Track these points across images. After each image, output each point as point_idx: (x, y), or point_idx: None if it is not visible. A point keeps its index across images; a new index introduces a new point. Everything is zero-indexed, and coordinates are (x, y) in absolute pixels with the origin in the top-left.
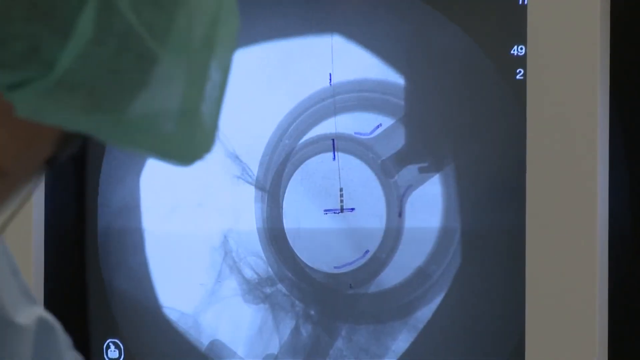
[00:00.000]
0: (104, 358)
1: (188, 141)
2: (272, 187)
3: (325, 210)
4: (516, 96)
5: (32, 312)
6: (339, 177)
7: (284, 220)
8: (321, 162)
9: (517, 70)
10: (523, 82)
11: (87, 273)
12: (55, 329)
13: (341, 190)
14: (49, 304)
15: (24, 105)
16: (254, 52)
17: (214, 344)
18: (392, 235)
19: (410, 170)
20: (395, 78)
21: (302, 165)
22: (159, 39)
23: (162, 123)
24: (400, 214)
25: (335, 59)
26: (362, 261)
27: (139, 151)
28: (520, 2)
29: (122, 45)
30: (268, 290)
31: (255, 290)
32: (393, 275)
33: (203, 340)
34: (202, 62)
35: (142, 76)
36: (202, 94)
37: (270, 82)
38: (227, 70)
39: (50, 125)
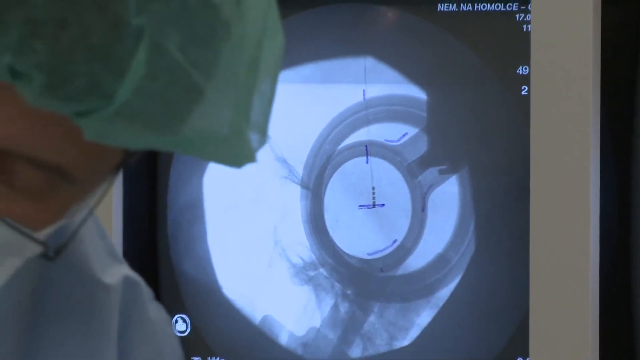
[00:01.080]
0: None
1: (236, 154)
2: (315, 186)
3: (360, 206)
4: (521, 109)
5: (118, 271)
6: (371, 178)
7: (325, 214)
8: (356, 165)
9: (522, 87)
10: (527, 98)
11: (160, 259)
12: (139, 284)
13: (373, 189)
14: None
15: (89, 130)
16: (299, 72)
17: (266, 318)
18: (417, 227)
19: (432, 172)
20: (419, 94)
21: (340, 168)
22: (205, 74)
23: (212, 143)
24: (424, 209)
25: (368, 78)
26: (391, 249)
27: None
28: (525, 29)
29: (171, 80)
30: (311, 273)
31: (300, 273)
32: (417, 260)
33: (257, 316)
34: (247, 86)
35: (191, 105)
36: (247, 117)
37: (313, 97)
38: (273, 86)
39: (114, 145)
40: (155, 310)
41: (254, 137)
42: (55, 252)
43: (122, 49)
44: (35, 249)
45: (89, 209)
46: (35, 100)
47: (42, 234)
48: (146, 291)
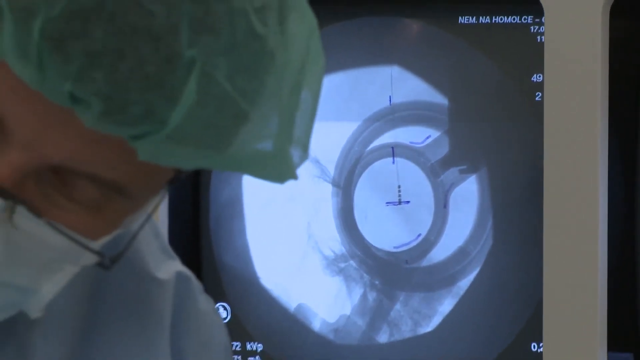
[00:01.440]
0: None
1: (278, 171)
2: (345, 184)
3: (387, 203)
4: (535, 114)
5: (171, 267)
6: (397, 177)
7: (354, 211)
8: (383, 165)
9: (537, 94)
10: (541, 103)
11: (202, 252)
12: (190, 278)
13: (399, 187)
14: None
15: (143, 151)
16: (331, 79)
17: (300, 306)
18: (439, 222)
19: (453, 172)
20: (441, 99)
21: (368, 168)
22: (250, 100)
23: (256, 161)
24: (445, 206)
25: (394, 85)
26: (416, 242)
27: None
28: (539, 40)
29: (219, 107)
30: (342, 265)
31: (332, 265)
32: (440, 253)
33: (292, 304)
34: (290, 107)
35: (237, 129)
36: (290, 134)
37: (343, 102)
38: (315, 104)
39: (166, 165)
40: (204, 302)
41: (295, 153)
42: (111, 261)
43: (174, 79)
44: (92, 258)
45: (144, 220)
46: (93, 124)
47: (99, 243)
48: (196, 285)
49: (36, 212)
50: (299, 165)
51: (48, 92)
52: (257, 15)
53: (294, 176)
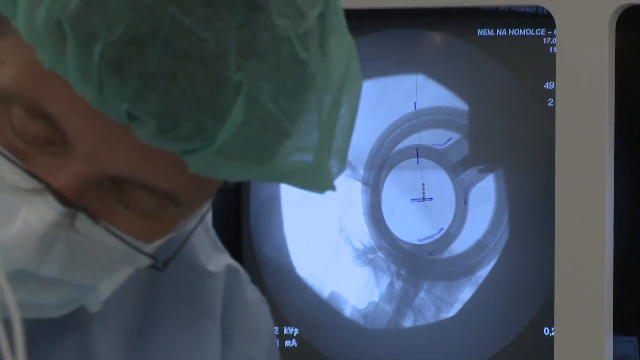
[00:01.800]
0: None
1: (318, 182)
2: (374, 182)
3: (412, 199)
4: (548, 118)
5: (221, 260)
6: (421, 176)
7: (382, 207)
8: (408, 165)
9: (549, 100)
10: (553, 109)
11: (243, 245)
12: (239, 270)
13: (423, 185)
14: None
15: (193, 165)
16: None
17: (333, 294)
18: (459, 217)
19: (472, 171)
20: (462, 105)
21: (395, 167)
22: (292, 120)
23: (298, 173)
24: (465, 202)
25: (419, 91)
26: (438, 236)
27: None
28: (551, 51)
29: (264, 126)
30: (371, 256)
31: (361, 256)
32: (460, 245)
33: (325, 292)
34: (329, 123)
35: (280, 145)
36: (329, 147)
37: (372, 108)
38: (353, 118)
39: (214, 178)
40: (251, 292)
41: (334, 164)
42: (163, 264)
43: (223, 100)
44: (146, 261)
45: (197, 223)
46: (148, 140)
47: (153, 246)
48: (244, 276)
49: (95, 218)
50: (337, 176)
51: (107, 111)
52: (299, 41)
53: (332, 187)
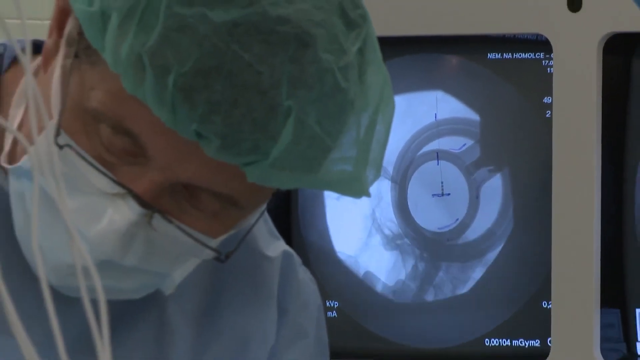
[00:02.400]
0: None
1: (356, 189)
2: (401, 180)
3: (433, 194)
4: (546, 127)
5: (277, 247)
6: (441, 175)
7: (408, 201)
8: (430, 166)
9: (547, 112)
10: (550, 120)
11: (293, 232)
12: (293, 254)
13: (442, 183)
14: None
15: (251, 175)
16: None
17: (367, 273)
18: (472, 210)
19: (483, 171)
20: (474, 116)
21: (418, 168)
22: (334, 139)
23: (340, 182)
24: (477, 197)
25: (438, 105)
26: (454, 225)
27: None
28: (549, 71)
29: (309, 144)
30: (398, 242)
31: (390, 242)
32: (473, 233)
33: (360, 271)
34: (366, 139)
35: (324, 159)
36: (366, 159)
37: (400, 118)
38: (387, 134)
39: (268, 185)
40: (303, 272)
41: (370, 172)
42: (225, 257)
43: (275, 123)
44: (211, 253)
45: (256, 219)
46: (213, 154)
47: (217, 241)
48: (297, 259)
49: (169, 218)
50: (372, 182)
51: (179, 130)
52: (341, 73)
53: (367, 194)
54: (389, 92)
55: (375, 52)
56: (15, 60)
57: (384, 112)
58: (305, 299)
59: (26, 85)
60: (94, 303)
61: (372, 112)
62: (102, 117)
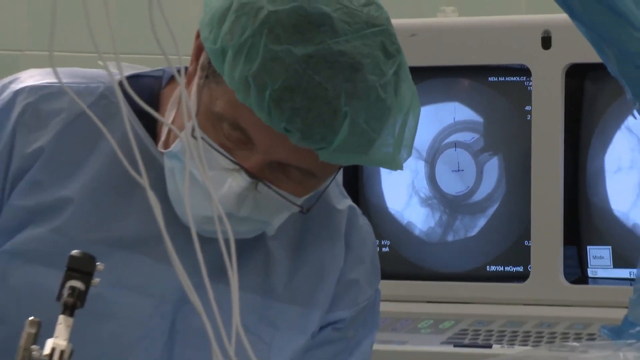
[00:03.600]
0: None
1: (395, 164)
2: (431, 161)
3: (452, 170)
4: (528, 126)
5: (345, 202)
6: (457, 157)
7: (436, 174)
8: (450, 151)
9: (528, 116)
10: (530, 121)
11: (359, 193)
12: (355, 208)
13: (458, 162)
14: None
15: (322, 156)
16: (426, 109)
17: (408, 222)
18: (478, 180)
19: (485, 155)
20: (479, 119)
21: (442, 153)
22: (378, 133)
23: (384, 159)
24: (482, 172)
25: (456, 111)
26: (466, 190)
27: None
28: (529, 89)
29: (360, 136)
30: (429, 202)
31: (424, 202)
32: (478, 196)
33: (404, 221)
34: (400, 131)
35: (371, 145)
36: (401, 142)
37: (430, 120)
38: (416, 125)
39: (335, 162)
40: (362, 219)
41: (405, 152)
42: (307, 210)
43: (337, 123)
44: (296, 208)
45: (328, 183)
46: (296, 142)
47: (302, 199)
48: (358, 211)
49: (268, 184)
50: (405, 160)
51: (273, 126)
52: (382, 88)
53: (401, 168)
54: (416, 101)
55: (406, 74)
56: (168, 80)
57: (414, 113)
58: (364, 237)
59: (181, 97)
60: (226, 242)
61: (404, 113)
62: (223, 118)
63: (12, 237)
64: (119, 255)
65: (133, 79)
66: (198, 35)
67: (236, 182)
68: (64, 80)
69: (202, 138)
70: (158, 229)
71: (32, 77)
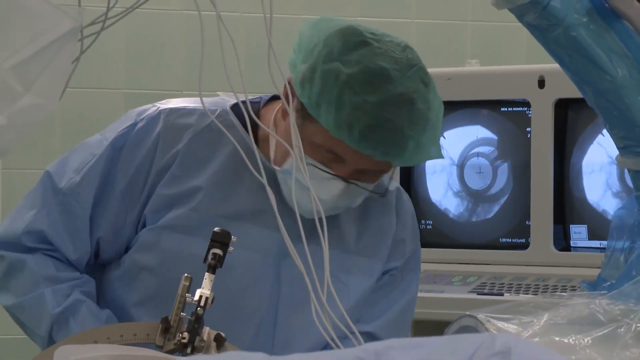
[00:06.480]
0: None
1: (429, 157)
2: (461, 166)
3: (475, 172)
4: (528, 142)
5: (394, 185)
6: (479, 164)
7: (464, 175)
8: (475, 159)
9: (528, 135)
10: (530, 138)
11: (411, 186)
12: (401, 189)
13: (480, 167)
14: None
15: (395, 164)
16: (463, 129)
17: (445, 209)
18: (494, 179)
19: (498, 162)
20: (494, 137)
21: (469, 160)
22: (428, 143)
23: (420, 156)
24: (496, 173)
25: (478, 132)
26: (485, 186)
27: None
28: (529, 116)
29: (418, 151)
30: (460, 194)
31: (456, 194)
32: (494, 190)
33: (442, 207)
34: (433, 134)
35: (424, 156)
36: (433, 142)
37: (459, 137)
38: (439, 128)
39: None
40: (406, 197)
41: (434, 149)
42: (382, 195)
43: (404, 143)
44: (371, 194)
45: (391, 174)
46: (379, 159)
47: (371, 186)
48: (404, 192)
49: (355, 182)
50: (436, 154)
51: (362, 151)
52: (428, 111)
53: (430, 158)
54: (440, 104)
55: (436, 95)
56: (265, 103)
57: (438, 116)
58: (407, 209)
59: (291, 127)
60: (316, 221)
61: (436, 122)
62: (322, 147)
63: (163, 216)
64: (235, 224)
65: (243, 103)
66: (289, 82)
67: (335, 185)
68: (195, 106)
69: (308, 163)
70: (263, 206)
71: (173, 102)
